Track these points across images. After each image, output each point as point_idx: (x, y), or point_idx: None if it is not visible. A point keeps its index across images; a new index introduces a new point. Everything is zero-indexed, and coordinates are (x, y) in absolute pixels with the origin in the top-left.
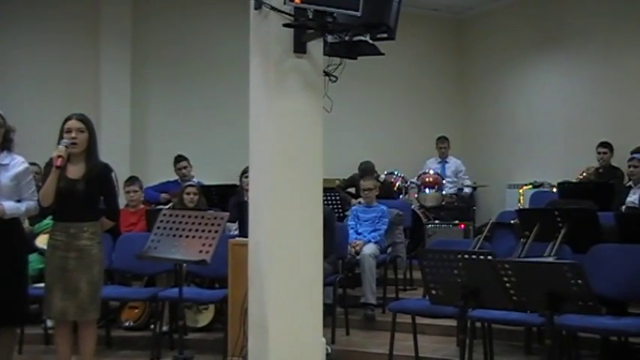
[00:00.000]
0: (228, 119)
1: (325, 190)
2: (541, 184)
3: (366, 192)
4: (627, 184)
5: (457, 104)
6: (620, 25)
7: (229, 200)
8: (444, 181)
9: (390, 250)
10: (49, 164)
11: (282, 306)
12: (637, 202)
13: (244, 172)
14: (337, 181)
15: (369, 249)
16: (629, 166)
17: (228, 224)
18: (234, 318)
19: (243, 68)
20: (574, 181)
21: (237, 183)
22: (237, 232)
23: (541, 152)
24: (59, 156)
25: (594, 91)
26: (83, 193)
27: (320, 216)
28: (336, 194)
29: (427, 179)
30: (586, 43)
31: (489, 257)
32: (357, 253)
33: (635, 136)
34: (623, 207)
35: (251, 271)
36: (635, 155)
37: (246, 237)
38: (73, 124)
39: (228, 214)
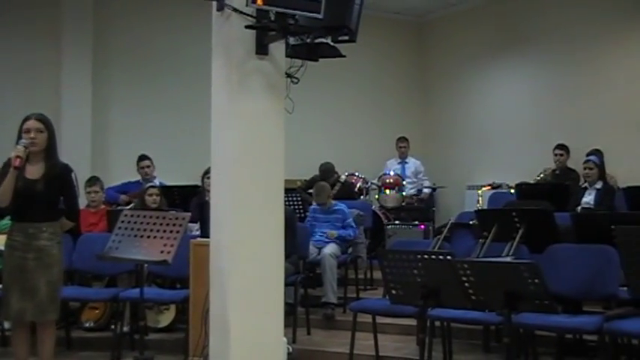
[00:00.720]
0: (191, 120)
1: (287, 190)
2: (499, 186)
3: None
4: (583, 186)
5: (418, 106)
6: (576, 31)
7: (191, 201)
8: (404, 182)
9: (350, 250)
10: (7, 164)
11: (244, 306)
12: (592, 202)
13: (206, 173)
14: (299, 182)
15: (330, 249)
16: (585, 168)
17: (190, 224)
18: (196, 318)
19: (205, 69)
20: (531, 182)
21: (199, 183)
22: (198, 233)
23: (499, 154)
24: (17, 156)
25: (551, 95)
26: (42, 193)
27: (281, 216)
28: (298, 195)
29: (387, 180)
30: (544, 47)
31: (448, 257)
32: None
33: (591, 139)
34: (579, 208)
35: (212, 272)
36: (590, 157)
37: (208, 237)
38: (32, 124)
39: (189, 214)
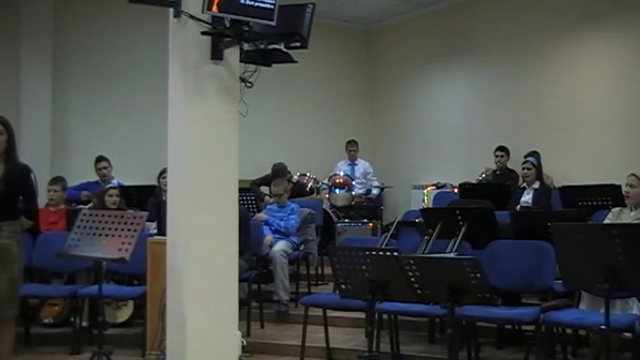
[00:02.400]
0: (148, 122)
1: (240, 190)
2: (444, 185)
3: (276, 197)
4: (522, 186)
5: (366, 110)
6: (517, 39)
7: (148, 200)
8: (353, 182)
9: (302, 247)
10: None
11: (199, 301)
12: (530, 201)
13: (162, 173)
14: (251, 182)
15: (280, 246)
16: (523, 169)
17: (147, 223)
18: (153, 313)
19: (162, 73)
20: (474, 182)
21: (156, 184)
22: (155, 231)
23: (444, 155)
24: None
25: (492, 99)
26: (2, 193)
27: (235, 215)
28: (251, 194)
29: (337, 180)
30: (486, 54)
31: (395, 253)
32: (268, 253)
33: (529, 141)
34: (518, 206)
35: (169, 269)
36: (529, 159)
37: (165, 235)
38: None
39: (147, 213)
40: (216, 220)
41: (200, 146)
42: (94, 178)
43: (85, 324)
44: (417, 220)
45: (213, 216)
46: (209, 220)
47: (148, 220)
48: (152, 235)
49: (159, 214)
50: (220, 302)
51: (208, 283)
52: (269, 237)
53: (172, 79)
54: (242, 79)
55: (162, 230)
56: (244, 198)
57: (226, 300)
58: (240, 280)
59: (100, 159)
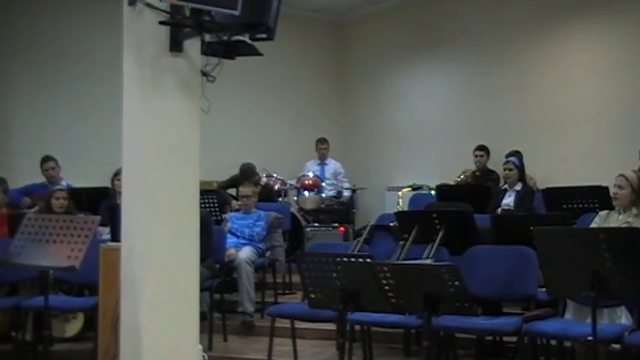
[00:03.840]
0: (100, 119)
1: (202, 192)
2: (420, 187)
3: (244, 198)
4: (503, 187)
5: (337, 106)
6: (497, 32)
7: (101, 203)
8: (323, 184)
9: (268, 253)
10: None
11: (157, 313)
12: (512, 204)
13: (116, 174)
14: (215, 184)
15: (245, 253)
16: (505, 169)
17: (100, 228)
18: (105, 326)
19: (115, 67)
20: (452, 183)
21: (109, 185)
22: (109, 237)
23: (420, 155)
24: None
25: (471, 96)
26: None
27: (197, 219)
28: (214, 197)
29: (306, 182)
30: (465, 48)
31: (368, 260)
32: (232, 261)
33: (511, 140)
34: (499, 209)
35: (124, 277)
36: (510, 159)
37: (119, 242)
38: None
39: (99, 217)
40: (176, 224)
41: (158, 145)
42: (40, 179)
43: (28, 338)
44: (391, 224)
45: (173, 220)
46: (168, 224)
47: (100, 225)
48: (105, 242)
49: (112, 219)
50: (180, 314)
51: (166, 293)
52: (233, 250)
53: (127, 72)
54: (203, 73)
55: (116, 236)
56: (206, 201)
57: (186, 311)
58: (202, 290)
59: (46, 159)
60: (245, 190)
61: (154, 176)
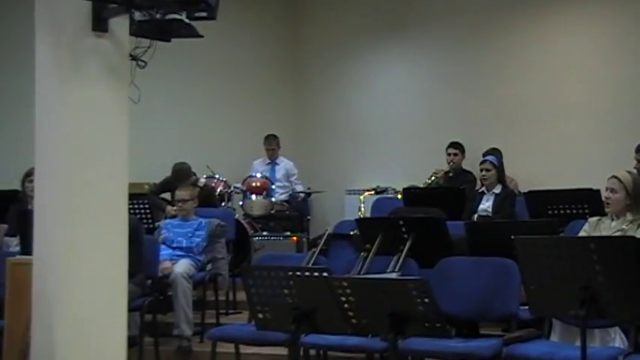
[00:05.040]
0: (10, 111)
1: (132, 196)
2: (384, 190)
3: (180, 203)
4: (479, 190)
5: (290, 98)
6: (471, 13)
7: (9, 209)
8: (273, 186)
9: (209, 267)
10: None
11: (76, 337)
12: (490, 209)
13: (28, 175)
14: (147, 186)
15: (182, 267)
16: (482, 170)
17: (7, 239)
18: (12, 353)
19: (26, 49)
20: (421, 186)
21: (20, 188)
22: (18, 249)
23: (385, 153)
24: None
25: (444, 86)
26: None
27: (125, 228)
28: (145, 201)
29: (254, 184)
30: (436, 31)
31: (325, 274)
32: (167, 276)
33: (489, 136)
34: (475, 215)
35: (36, 296)
36: (488, 157)
37: (31, 254)
38: None
39: (6, 226)
40: (99, 234)
41: (78, 141)
42: None
43: None
44: (351, 233)
45: (96, 229)
46: (89, 234)
47: (8, 235)
48: (14, 254)
49: (23, 227)
50: (104, 339)
51: (87, 314)
52: (167, 263)
53: (41, 56)
54: (132, 57)
55: (27, 247)
56: (136, 206)
57: (112, 336)
58: (130, 310)
59: None
60: (182, 193)
61: (74, 177)
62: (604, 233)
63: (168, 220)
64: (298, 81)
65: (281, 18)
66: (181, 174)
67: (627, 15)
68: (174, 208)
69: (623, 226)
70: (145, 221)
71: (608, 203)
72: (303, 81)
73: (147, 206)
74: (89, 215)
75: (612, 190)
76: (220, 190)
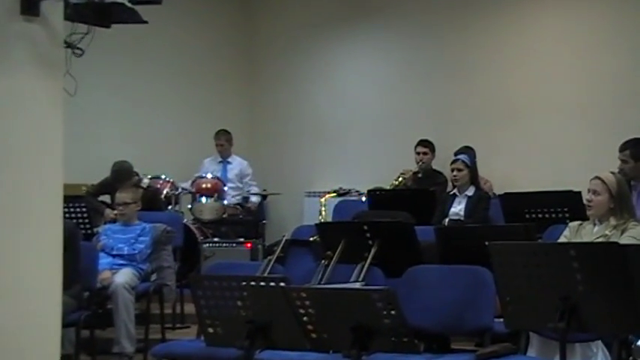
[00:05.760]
0: None
1: (67, 199)
2: (347, 192)
3: (121, 207)
4: (451, 192)
5: (244, 90)
6: None
7: None
8: (225, 188)
9: (154, 277)
10: None
11: (1, 356)
12: (462, 213)
13: None
14: (84, 188)
15: (123, 277)
16: (453, 170)
17: None
18: None
19: None
20: (387, 187)
21: None
22: None
23: (348, 152)
24: None
25: (413, 78)
26: None
27: (59, 234)
28: (82, 205)
29: (204, 185)
30: (404, 17)
31: (282, 284)
32: (106, 287)
33: (461, 134)
34: (446, 220)
35: None
36: (460, 157)
37: None
38: None
39: None
40: (30, 241)
41: (4, 136)
42: None
43: None
44: (311, 239)
45: (26, 235)
46: (18, 241)
47: None
48: None
49: None
50: (34, 357)
51: (16, 332)
52: (107, 273)
53: None
54: (68, 44)
55: None
56: (72, 210)
57: (43, 354)
58: (65, 326)
59: None
60: (123, 195)
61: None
62: (585, 239)
63: (108, 225)
64: (252, 71)
65: (233, 7)
66: (122, 174)
67: (609, 5)
68: (115, 211)
69: (606, 232)
70: (82, 226)
71: (590, 206)
72: (258, 71)
73: (84, 210)
74: (17, 220)
75: (595, 193)
76: (166, 192)
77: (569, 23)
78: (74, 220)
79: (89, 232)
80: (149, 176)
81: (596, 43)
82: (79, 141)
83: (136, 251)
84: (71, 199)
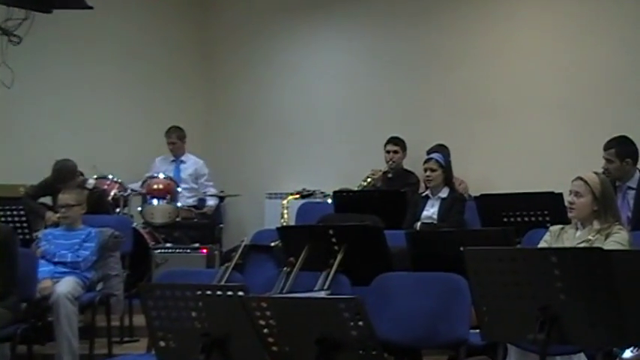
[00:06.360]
0: None
1: (3, 201)
2: (312, 193)
3: (63, 209)
4: (423, 194)
5: (199, 85)
6: None
7: None
8: (178, 189)
9: (100, 286)
10: None
11: None
12: (435, 216)
13: None
14: (22, 189)
15: (66, 286)
16: (426, 170)
17: None
18: None
19: None
20: (355, 189)
21: None
22: None
23: (312, 151)
24: None
25: (382, 72)
26: None
27: None
28: (20, 207)
29: (155, 186)
30: (372, 6)
31: (240, 293)
32: (47, 297)
33: (434, 131)
34: (418, 223)
35: None
36: (433, 155)
37: None
38: None
39: None
40: None
41: None
42: None
43: None
44: (272, 244)
45: None
46: None
47: None
48: None
49: None
50: None
51: None
52: (48, 282)
53: None
54: (3, 31)
55: None
56: (9, 213)
57: None
58: (0, 340)
59: None
60: (66, 197)
61: None
62: (567, 244)
63: (49, 230)
64: (209, 64)
65: None
66: (65, 174)
67: None
68: (57, 215)
69: (589, 237)
70: (19, 231)
71: (572, 208)
72: (215, 64)
73: (22, 213)
74: None
75: (577, 194)
76: (114, 194)
77: (553, 11)
78: (10, 224)
79: (28, 237)
80: (95, 176)
81: (582, 34)
82: (15, 137)
83: (80, 258)
84: (7, 201)
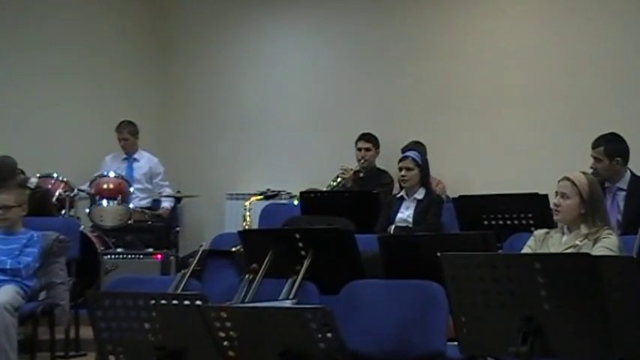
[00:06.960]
0: None
1: None
2: (276, 194)
3: (2, 211)
4: (398, 195)
5: (154, 79)
6: None
7: None
8: (131, 189)
9: (43, 295)
10: None
11: None
12: (411, 219)
13: None
14: None
15: (4, 295)
16: (401, 169)
17: None
18: None
19: None
20: (323, 189)
21: None
22: None
23: (277, 149)
24: None
25: (353, 63)
26: None
27: None
28: None
29: (105, 186)
30: None
31: (198, 302)
32: None
33: (410, 128)
34: (392, 227)
35: None
36: (409, 153)
37: None
38: None
39: None
40: None
41: None
42: None
43: None
44: (233, 249)
45: None
46: None
47: None
48: None
49: None
50: None
51: None
52: None
53: None
54: None
55: None
56: None
57: None
58: None
59: None
60: (5, 197)
61: None
62: (553, 250)
63: None
64: (163, 53)
65: None
66: (3, 171)
67: None
68: None
69: (576, 242)
70: None
71: (557, 211)
72: (170, 53)
73: None
74: None
75: (563, 195)
76: (59, 194)
77: (534, 4)
78: None
79: None
80: (38, 175)
81: (564, 27)
82: None
83: (21, 265)
84: None
